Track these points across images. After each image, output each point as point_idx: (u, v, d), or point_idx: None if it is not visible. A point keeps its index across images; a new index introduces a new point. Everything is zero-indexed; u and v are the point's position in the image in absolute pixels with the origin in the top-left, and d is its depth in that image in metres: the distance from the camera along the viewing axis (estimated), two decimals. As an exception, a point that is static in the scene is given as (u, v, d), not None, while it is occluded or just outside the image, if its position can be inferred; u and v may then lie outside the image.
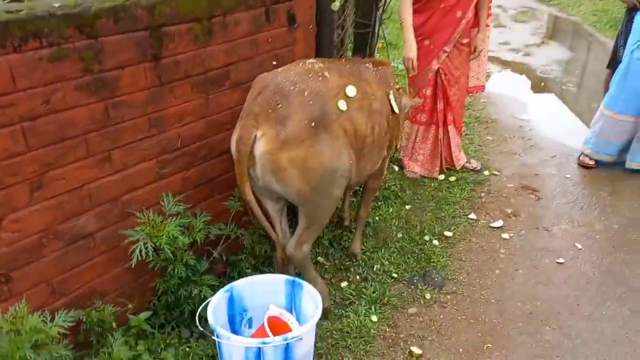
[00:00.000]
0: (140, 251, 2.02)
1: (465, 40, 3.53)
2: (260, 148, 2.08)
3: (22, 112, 1.71)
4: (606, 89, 4.83)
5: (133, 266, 2.03)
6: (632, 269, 3.01)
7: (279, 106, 2.08)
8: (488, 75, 6.29)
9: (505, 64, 6.74)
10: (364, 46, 4.13)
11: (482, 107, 5.32)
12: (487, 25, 3.64)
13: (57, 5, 1.72)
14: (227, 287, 2.17)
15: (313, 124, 2.10)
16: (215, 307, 2.07)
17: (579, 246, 3.20)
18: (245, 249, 2.64)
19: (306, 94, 2.13)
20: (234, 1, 2.25)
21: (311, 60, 2.33)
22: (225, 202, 2.47)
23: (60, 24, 1.72)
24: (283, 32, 2.56)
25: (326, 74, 2.24)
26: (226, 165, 2.50)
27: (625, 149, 3.92)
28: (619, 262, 3.07)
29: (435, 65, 3.53)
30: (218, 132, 2.42)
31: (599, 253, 3.15)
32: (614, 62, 4.65)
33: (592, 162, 4.03)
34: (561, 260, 3.07)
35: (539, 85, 6.08)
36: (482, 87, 3.98)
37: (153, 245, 2.04)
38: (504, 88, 5.91)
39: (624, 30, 4.58)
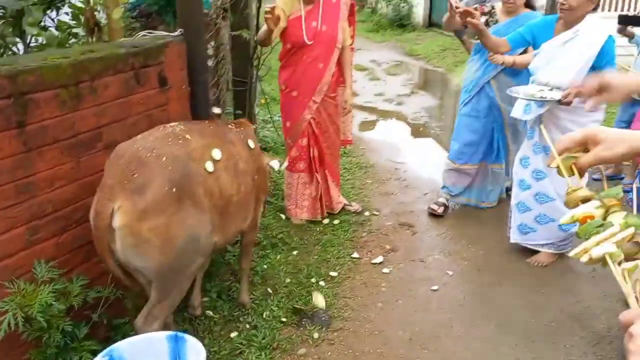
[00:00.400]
0: (9, 323, 1.95)
1: (332, 95, 3.82)
2: (117, 222, 2.02)
3: None
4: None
5: (1, 339, 1.95)
6: (495, 289, 3.35)
7: (135, 175, 2.04)
8: (368, 124, 6.77)
9: (380, 113, 7.28)
10: (243, 103, 4.33)
11: (362, 154, 5.70)
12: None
13: None
14: (105, 351, 2.12)
15: (174, 189, 2.07)
16: (96, 373, 2.03)
17: (450, 273, 3.51)
18: (130, 311, 2.60)
19: (164, 159, 2.10)
20: (101, 67, 2.32)
21: (172, 124, 2.37)
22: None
23: None
24: (155, 93, 2.66)
25: (187, 136, 2.25)
26: (104, 227, 2.50)
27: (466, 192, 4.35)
28: (484, 284, 3.40)
29: (307, 115, 3.78)
30: (92, 194, 2.40)
31: (467, 277, 3.48)
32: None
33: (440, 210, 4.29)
34: (435, 287, 3.35)
35: (412, 130, 6.63)
36: (350, 141, 4.42)
37: (24, 315, 1.98)
38: (380, 135, 6.38)
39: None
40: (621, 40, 5.35)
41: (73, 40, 3.03)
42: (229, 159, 2.40)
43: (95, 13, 2.95)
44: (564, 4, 3.12)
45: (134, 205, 2.02)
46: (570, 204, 1.14)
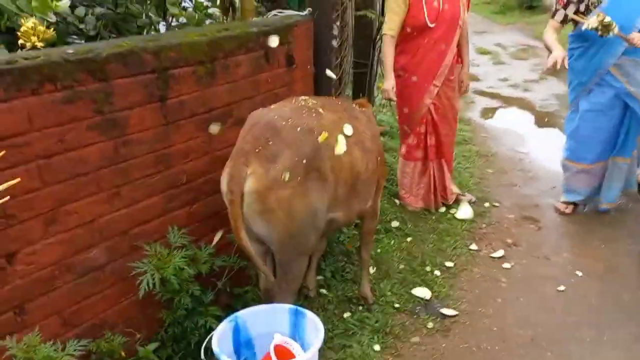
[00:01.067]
0: (148, 283, 2.10)
1: (451, 77, 3.65)
2: (248, 186, 2.05)
3: (37, 150, 1.83)
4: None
5: (141, 297, 2.11)
6: (632, 294, 3.04)
7: (270, 143, 2.07)
8: (490, 110, 6.45)
9: (504, 99, 6.89)
10: (362, 85, 4.31)
11: (483, 142, 5.44)
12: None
13: (70, 51, 1.86)
14: (231, 316, 2.23)
15: (304, 161, 2.08)
16: (221, 337, 2.13)
17: (579, 273, 3.24)
18: (251, 280, 2.70)
19: (299, 129, 2.12)
20: (235, 45, 2.40)
21: (304, 97, 2.41)
22: (230, 234, 2.56)
23: (73, 68, 1.86)
24: (282, 72, 2.71)
25: (320, 110, 2.28)
26: (230, 200, 2.61)
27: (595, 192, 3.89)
28: (618, 288, 3.10)
29: (428, 100, 3.65)
30: (221, 168, 2.53)
31: (599, 279, 3.19)
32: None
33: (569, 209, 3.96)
34: (562, 288, 3.11)
35: (538, 119, 6.20)
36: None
37: (160, 277, 2.12)
38: (503, 122, 6.05)
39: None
40: None
41: (209, 20, 3.17)
42: (358, 135, 2.40)
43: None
44: None
45: (266, 172, 2.05)
46: None
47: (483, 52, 9.25)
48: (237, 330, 2.24)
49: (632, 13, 3.25)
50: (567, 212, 3.92)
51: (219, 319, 2.29)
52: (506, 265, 3.35)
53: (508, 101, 6.82)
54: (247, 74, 2.52)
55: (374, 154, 2.54)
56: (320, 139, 2.17)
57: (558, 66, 3.29)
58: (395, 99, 3.55)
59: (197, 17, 2.87)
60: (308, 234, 2.24)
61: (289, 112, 2.20)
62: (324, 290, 3.02)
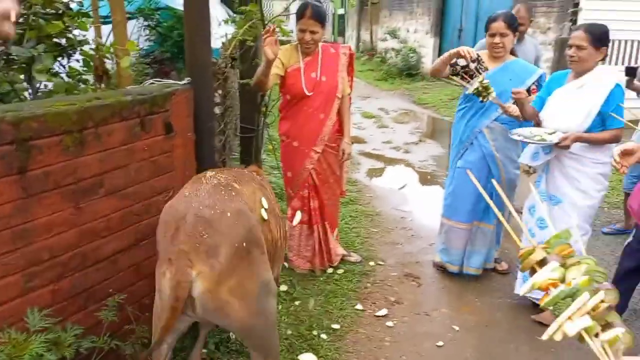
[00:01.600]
0: (-1, 374, 1.88)
1: (332, 144, 3.80)
2: (199, 289, 1.97)
3: None
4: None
5: (-10, 391, 1.88)
6: (503, 347, 3.23)
7: (205, 237, 1.99)
8: (375, 171, 6.76)
9: (388, 160, 7.28)
10: (250, 150, 4.36)
11: (368, 202, 5.66)
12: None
13: None
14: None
15: (244, 244, 2.05)
16: None
17: (456, 328, 3.40)
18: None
19: (229, 214, 2.06)
20: (107, 113, 2.33)
21: (209, 174, 2.34)
22: (98, 312, 2.39)
23: None
24: (160, 140, 2.67)
25: (235, 185, 2.25)
26: (101, 274, 2.46)
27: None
28: (492, 341, 3.29)
29: (309, 165, 3.74)
30: (92, 240, 2.40)
31: (474, 333, 3.36)
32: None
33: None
34: (440, 343, 3.24)
35: (418, 179, 6.60)
36: (343, 193, 4.14)
37: (14, 366, 1.91)
38: (386, 183, 6.36)
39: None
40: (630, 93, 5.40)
41: (83, 86, 3.08)
42: (270, 203, 2.43)
43: (106, 60, 3.01)
44: (573, 57, 3.16)
45: (211, 269, 1.97)
46: (526, 269, 1.08)
47: (368, 116, 9.79)
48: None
49: (510, 86, 3.52)
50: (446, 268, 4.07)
51: (86, 407, 2.11)
52: (389, 323, 3.43)
53: (391, 162, 7.21)
54: (121, 142, 2.44)
55: (280, 219, 2.59)
56: (258, 217, 2.23)
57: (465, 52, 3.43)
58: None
59: (69, 84, 2.78)
60: (270, 303, 2.22)
61: (208, 197, 2.11)
62: (207, 364, 2.89)
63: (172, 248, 2.01)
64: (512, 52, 3.78)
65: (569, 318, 0.93)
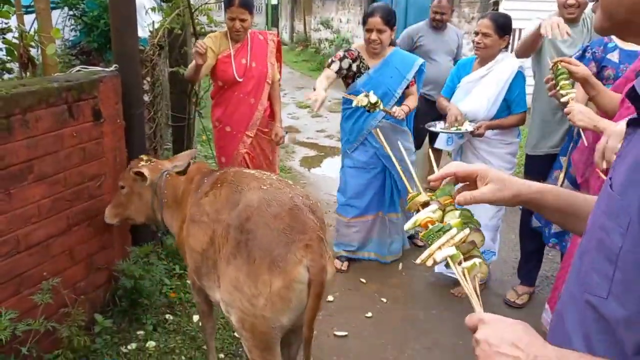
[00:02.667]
0: None
1: (265, 130, 3.91)
2: (330, 273, 2.09)
3: None
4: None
5: None
6: (426, 314, 3.50)
7: (320, 224, 2.15)
8: (309, 159, 6.93)
9: (321, 148, 7.47)
10: (182, 138, 4.40)
11: (302, 187, 5.81)
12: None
13: None
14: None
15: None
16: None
17: (384, 300, 3.63)
18: (62, 344, 2.57)
19: (319, 204, 2.31)
20: (34, 100, 2.36)
21: (237, 171, 2.48)
22: (33, 296, 2.43)
23: None
24: (89, 127, 2.71)
25: (273, 177, 2.42)
26: (34, 259, 2.49)
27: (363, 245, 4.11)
28: (416, 310, 3.55)
29: (242, 149, 3.82)
30: (23, 226, 2.42)
31: (400, 304, 3.61)
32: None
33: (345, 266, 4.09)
34: (369, 314, 3.45)
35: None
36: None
37: (-53, 349, 1.94)
38: (320, 170, 6.55)
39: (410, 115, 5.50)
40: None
41: (7, 75, 3.05)
42: None
43: (31, 49, 2.99)
44: (479, 43, 3.42)
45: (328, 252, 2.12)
46: (412, 209, 1.26)
47: (302, 106, 9.93)
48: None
49: (393, 84, 3.72)
50: (343, 269, 4.03)
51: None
52: (330, 298, 3.62)
53: (324, 150, 7.41)
54: (49, 129, 2.47)
55: None
56: None
57: (316, 107, 3.27)
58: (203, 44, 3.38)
59: (-8, 71, 2.76)
60: None
61: (283, 188, 2.24)
62: (148, 344, 2.97)
63: (305, 235, 2.04)
64: (392, 43, 3.80)
65: (439, 248, 1.12)
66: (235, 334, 3.11)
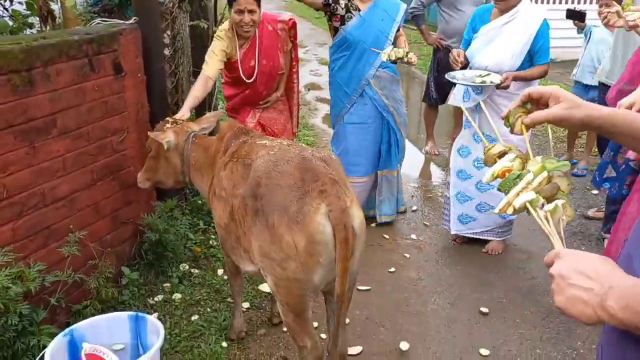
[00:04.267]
0: (-34, 305, 1.96)
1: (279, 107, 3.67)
2: (357, 217, 1.97)
3: None
4: (425, 119, 5.55)
5: (-42, 322, 1.97)
6: (449, 269, 3.48)
7: (337, 172, 2.06)
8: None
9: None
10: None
11: (325, 145, 5.77)
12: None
13: None
14: (65, 331, 2.16)
15: None
16: (55, 354, 2.06)
17: (407, 255, 3.62)
18: (90, 295, 2.63)
19: (333, 157, 2.19)
20: (53, 53, 2.34)
21: (251, 144, 2.39)
22: (60, 248, 2.47)
23: None
24: (110, 81, 2.69)
25: (285, 142, 2.35)
26: (61, 213, 2.52)
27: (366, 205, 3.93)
28: (439, 265, 3.53)
29: (250, 120, 3.56)
30: (49, 180, 2.44)
31: (424, 259, 3.60)
32: (427, 96, 5.40)
33: None
34: (392, 270, 3.45)
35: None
36: (293, 134, 3.93)
37: (-21, 298, 1.99)
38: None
39: (431, 68, 5.36)
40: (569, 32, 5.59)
41: (29, 30, 3.02)
42: None
43: (51, 3, 2.96)
44: None
45: (354, 199, 2.02)
46: (489, 162, 1.21)
47: (325, 62, 9.76)
48: (73, 345, 2.18)
49: (385, 27, 3.58)
50: None
51: (54, 337, 2.21)
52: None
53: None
54: (70, 82, 2.46)
55: None
56: None
57: None
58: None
59: (13, 26, 2.73)
60: None
61: (296, 148, 2.20)
62: (175, 296, 3.02)
63: (317, 182, 1.94)
64: None
65: (517, 194, 1.07)
66: (260, 287, 3.15)
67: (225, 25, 3.32)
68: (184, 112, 2.91)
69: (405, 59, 3.41)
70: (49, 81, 2.35)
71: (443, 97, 5.30)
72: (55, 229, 2.52)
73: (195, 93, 3.04)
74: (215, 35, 3.30)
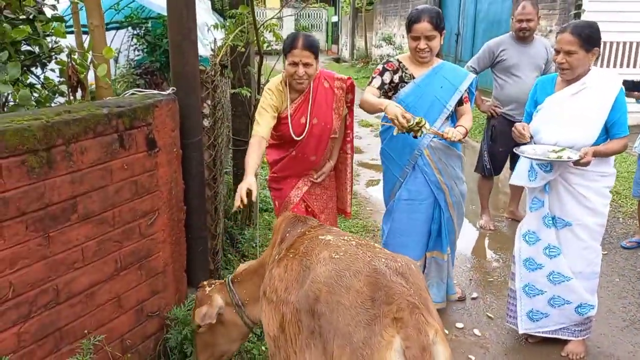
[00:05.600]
0: None
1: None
2: (442, 354, 1.54)
3: None
4: (479, 191, 5.12)
5: None
6: None
7: (417, 290, 1.65)
8: (375, 182, 6.49)
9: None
10: (243, 163, 4.07)
11: (368, 215, 5.40)
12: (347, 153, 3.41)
13: None
14: None
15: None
16: None
17: (472, 358, 3.11)
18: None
19: (412, 266, 1.77)
20: (79, 129, 2.05)
21: (312, 238, 2.04)
22: (77, 353, 2.10)
23: None
24: (142, 157, 2.39)
25: (353, 242, 1.96)
26: (75, 311, 2.17)
27: None
28: None
29: (294, 197, 3.26)
30: (65, 273, 2.11)
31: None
32: (480, 165, 4.99)
33: None
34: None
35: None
36: (347, 214, 3.64)
37: None
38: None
39: (485, 137, 4.97)
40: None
41: (60, 99, 2.80)
42: None
43: (86, 71, 2.73)
44: (563, 63, 2.84)
45: (441, 327, 1.61)
46: None
47: (365, 124, 9.53)
48: None
49: (443, 95, 3.19)
50: None
51: None
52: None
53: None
54: (96, 161, 2.16)
55: None
56: None
57: (402, 119, 2.80)
58: (245, 200, 2.70)
59: (41, 95, 2.50)
60: None
61: (369, 251, 1.81)
62: None
63: (391, 306, 1.55)
64: (438, 55, 3.31)
65: None
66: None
67: (276, 78, 3.07)
68: (250, 181, 2.65)
69: (427, 129, 2.88)
70: (70, 161, 2.05)
71: (498, 167, 4.90)
72: (69, 330, 2.16)
73: (255, 158, 2.81)
74: (264, 90, 3.04)
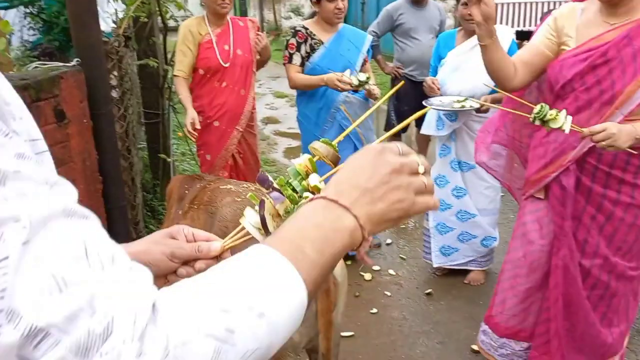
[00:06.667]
0: None
1: (251, 123, 3.61)
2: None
3: None
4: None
5: None
6: (436, 305, 3.28)
7: None
8: (293, 150, 6.68)
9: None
10: (157, 135, 4.11)
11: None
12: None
13: None
14: None
15: None
16: None
17: (388, 293, 3.41)
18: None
19: None
20: (-17, 102, 2.05)
21: (214, 189, 2.19)
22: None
23: None
24: (52, 129, 2.40)
25: (252, 187, 2.15)
26: None
27: None
28: (423, 301, 3.33)
29: (231, 146, 3.51)
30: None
31: (406, 296, 3.39)
32: (388, 126, 5.30)
33: None
34: (374, 311, 3.23)
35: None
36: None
37: None
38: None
39: (391, 97, 5.27)
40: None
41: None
42: None
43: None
44: (471, 17, 3.15)
45: None
46: None
47: (280, 95, 9.64)
48: None
49: (351, 57, 3.44)
50: None
51: None
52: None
53: (307, 139, 7.15)
54: (4, 134, 2.16)
55: None
56: None
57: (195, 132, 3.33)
58: (194, 133, 3.28)
59: None
60: None
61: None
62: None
63: None
64: (345, 22, 3.57)
65: None
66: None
67: (188, 21, 3.44)
68: (192, 113, 3.27)
69: (367, 86, 3.23)
70: (-22, 135, 2.05)
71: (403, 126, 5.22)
72: None
73: (188, 92, 3.38)
74: (180, 28, 3.38)
